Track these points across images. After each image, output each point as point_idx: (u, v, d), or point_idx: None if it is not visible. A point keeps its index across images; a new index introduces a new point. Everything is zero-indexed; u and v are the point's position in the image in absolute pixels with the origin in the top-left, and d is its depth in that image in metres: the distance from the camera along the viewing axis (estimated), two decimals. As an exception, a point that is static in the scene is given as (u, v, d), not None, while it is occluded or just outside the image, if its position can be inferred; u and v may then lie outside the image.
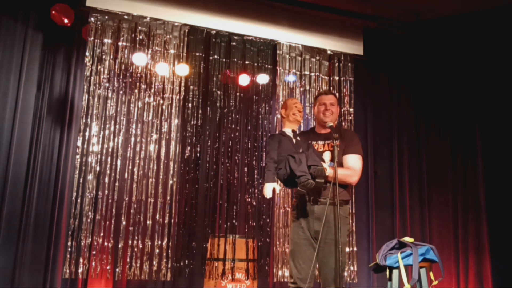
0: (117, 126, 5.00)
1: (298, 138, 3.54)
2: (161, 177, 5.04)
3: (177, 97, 5.18)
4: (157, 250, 4.90)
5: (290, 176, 3.25)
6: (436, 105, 5.96)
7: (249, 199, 5.39)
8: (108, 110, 4.97)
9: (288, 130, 3.55)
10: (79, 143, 4.83)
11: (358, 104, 5.83)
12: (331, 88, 5.63)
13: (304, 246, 3.43)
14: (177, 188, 5.10)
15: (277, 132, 4.04)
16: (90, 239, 4.72)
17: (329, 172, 3.29)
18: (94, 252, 4.73)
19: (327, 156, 3.50)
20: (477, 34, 5.73)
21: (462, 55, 5.84)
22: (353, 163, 3.54)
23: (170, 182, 5.05)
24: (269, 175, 3.31)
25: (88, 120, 4.86)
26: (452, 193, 5.70)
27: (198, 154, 5.42)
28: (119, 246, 4.84)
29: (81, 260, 4.65)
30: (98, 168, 4.84)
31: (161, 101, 5.13)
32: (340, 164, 3.50)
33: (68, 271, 4.61)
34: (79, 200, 4.75)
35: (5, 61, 4.76)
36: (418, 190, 5.83)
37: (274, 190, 3.27)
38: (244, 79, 5.44)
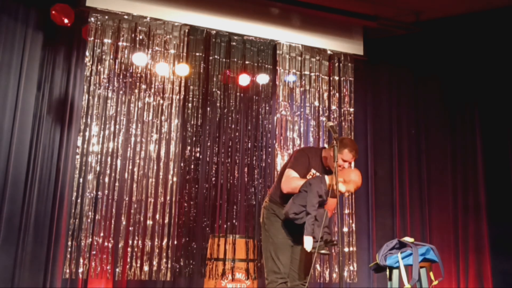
0: (117, 126, 5.00)
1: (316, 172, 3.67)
2: (161, 177, 5.04)
3: (177, 97, 5.18)
4: (157, 250, 4.90)
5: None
6: (436, 104, 5.95)
7: (249, 199, 5.39)
8: (108, 110, 4.96)
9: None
10: (79, 143, 4.83)
11: (358, 104, 5.83)
12: (331, 87, 5.63)
13: (286, 243, 3.62)
14: (177, 188, 5.10)
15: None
16: (90, 239, 4.72)
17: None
18: (94, 252, 4.73)
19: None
20: (477, 34, 5.72)
21: (462, 55, 5.84)
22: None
23: (170, 182, 5.05)
24: (309, 228, 3.36)
25: (88, 120, 4.86)
26: (452, 193, 5.70)
27: (198, 154, 5.41)
28: (119, 246, 4.84)
29: (81, 260, 4.65)
30: (98, 168, 4.84)
31: (161, 101, 5.13)
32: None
33: (68, 271, 4.61)
34: (79, 200, 4.75)
35: (5, 61, 4.75)
36: (418, 190, 5.82)
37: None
38: (244, 79, 5.43)
